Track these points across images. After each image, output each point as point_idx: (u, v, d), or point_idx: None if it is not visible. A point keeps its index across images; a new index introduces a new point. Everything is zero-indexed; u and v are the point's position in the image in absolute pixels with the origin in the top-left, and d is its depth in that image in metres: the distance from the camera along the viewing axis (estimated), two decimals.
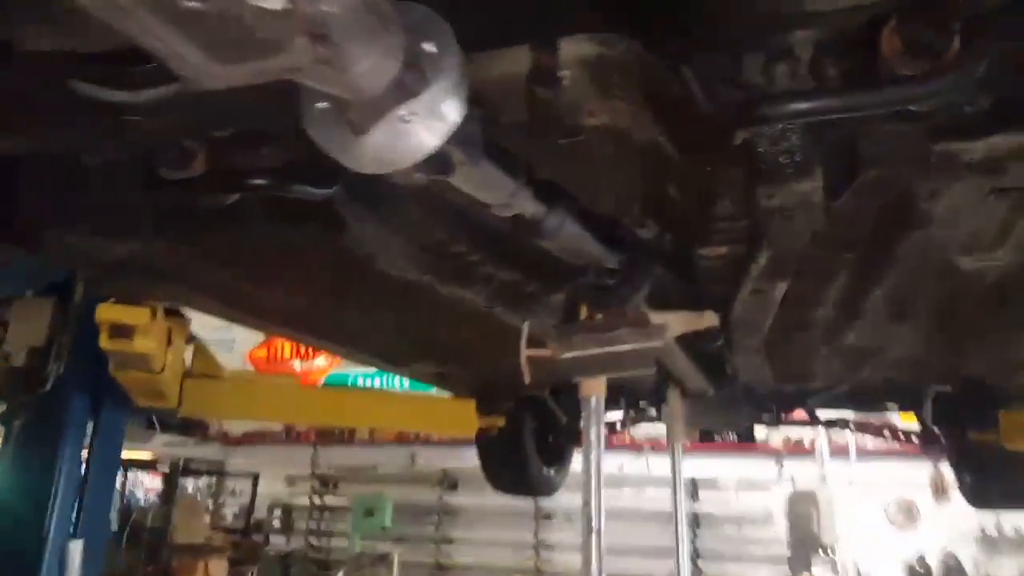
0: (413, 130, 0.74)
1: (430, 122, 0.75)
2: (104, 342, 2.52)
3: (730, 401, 3.66)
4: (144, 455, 9.37)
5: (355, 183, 1.20)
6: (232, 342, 8.79)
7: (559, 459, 4.29)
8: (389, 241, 1.38)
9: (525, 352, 1.92)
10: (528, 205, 1.15)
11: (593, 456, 1.83)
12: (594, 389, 1.89)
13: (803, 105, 0.89)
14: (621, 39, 0.99)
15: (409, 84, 0.73)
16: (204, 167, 1.05)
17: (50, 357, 3.23)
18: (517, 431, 3.88)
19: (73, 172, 1.20)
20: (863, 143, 1.02)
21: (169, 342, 2.87)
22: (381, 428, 8.95)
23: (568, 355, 1.73)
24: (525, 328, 1.89)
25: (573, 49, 1.03)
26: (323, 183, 1.12)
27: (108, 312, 2.33)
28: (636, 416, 4.36)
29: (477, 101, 1.13)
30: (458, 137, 0.85)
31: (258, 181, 1.05)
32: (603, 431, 1.86)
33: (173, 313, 2.81)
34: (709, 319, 1.95)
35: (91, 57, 0.80)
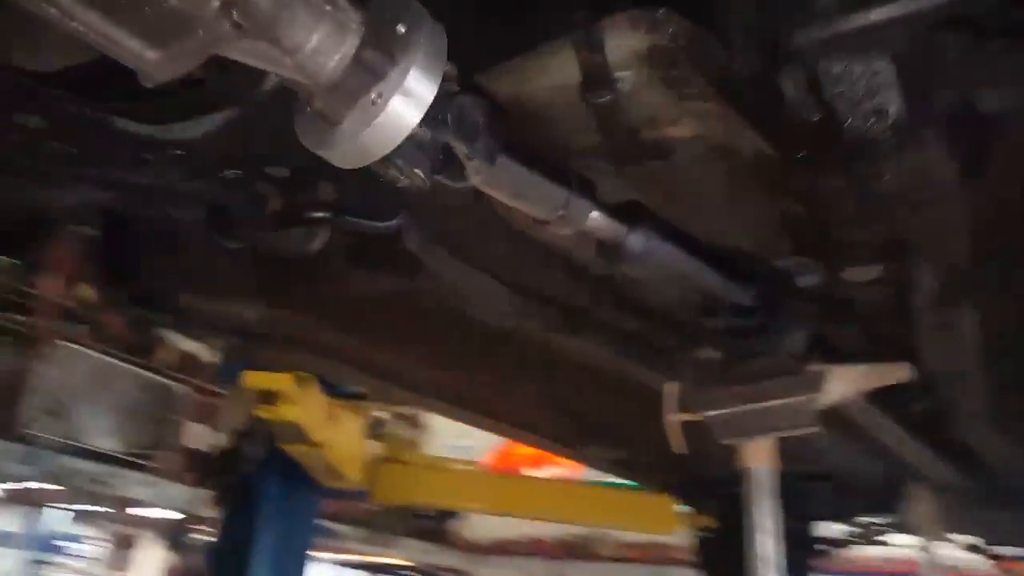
0: (386, 112, 0.69)
1: (402, 101, 0.69)
2: (258, 410, 2.69)
3: (990, 497, 3.00)
4: (386, 559, 9.58)
5: (424, 218, 1.17)
6: (469, 449, 8.87)
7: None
8: (473, 281, 1.32)
9: (671, 417, 1.73)
10: (599, 223, 1.04)
11: (764, 548, 1.57)
12: (757, 456, 1.65)
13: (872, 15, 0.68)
14: (667, 19, 0.88)
15: (375, 65, 0.69)
16: (278, 207, 1.08)
17: (252, 440, 3.51)
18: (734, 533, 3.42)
19: (189, 235, 1.31)
20: (987, 92, 0.78)
21: (333, 419, 3.00)
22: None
23: (710, 414, 1.53)
24: (667, 389, 1.71)
25: (620, 44, 0.94)
26: (385, 215, 1.11)
27: (253, 379, 2.49)
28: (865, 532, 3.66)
29: (532, 123, 1.07)
30: (456, 128, 0.79)
31: (319, 215, 1.06)
32: (779, 518, 1.59)
33: (356, 396, 2.95)
34: (899, 371, 1.64)
35: (127, 93, 0.86)
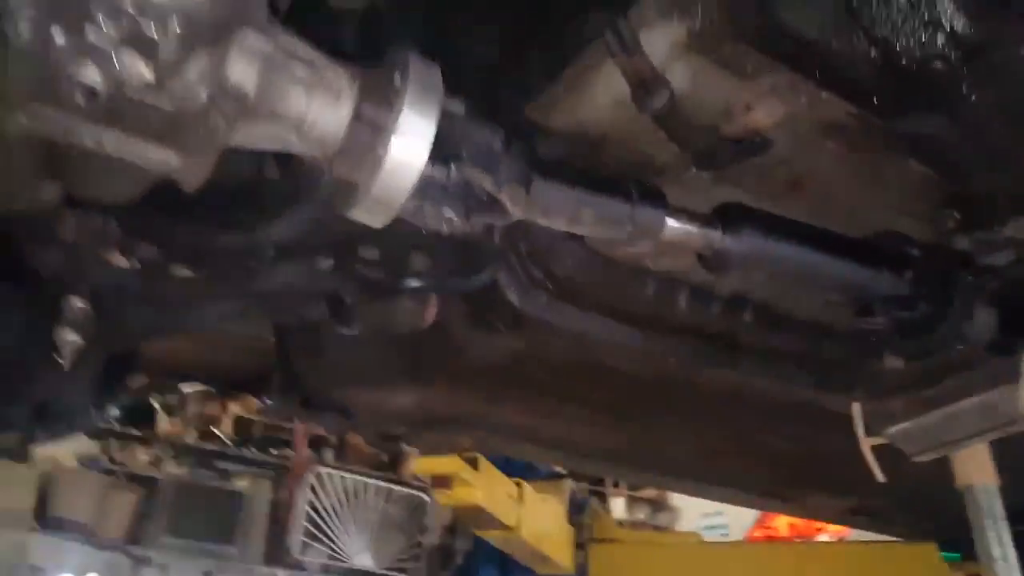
0: (389, 157, 0.73)
1: (402, 142, 0.73)
2: (436, 495, 2.72)
3: None
4: None
5: (520, 266, 1.18)
6: (725, 527, 8.40)
7: None
8: (588, 324, 1.28)
9: (864, 440, 1.55)
10: (681, 232, 0.99)
11: None
12: (970, 470, 1.42)
13: None
14: None
15: (375, 119, 0.74)
16: (380, 286, 1.16)
17: (458, 533, 3.60)
18: None
19: (329, 332, 1.42)
20: None
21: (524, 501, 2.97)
22: None
23: (895, 429, 1.35)
24: (854, 410, 1.53)
25: (656, 37, 0.92)
26: (476, 272, 1.13)
27: (422, 465, 2.54)
28: None
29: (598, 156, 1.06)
30: (473, 160, 0.81)
31: (416, 284, 1.11)
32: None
33: (554, 476, 2.94)
34: None
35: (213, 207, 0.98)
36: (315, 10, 0.86)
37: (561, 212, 0.90)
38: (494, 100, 0.93)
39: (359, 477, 9.86)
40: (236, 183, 1.02)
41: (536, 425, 1.79)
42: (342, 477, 9.77)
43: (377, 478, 9.98)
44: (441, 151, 0.75)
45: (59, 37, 0.60)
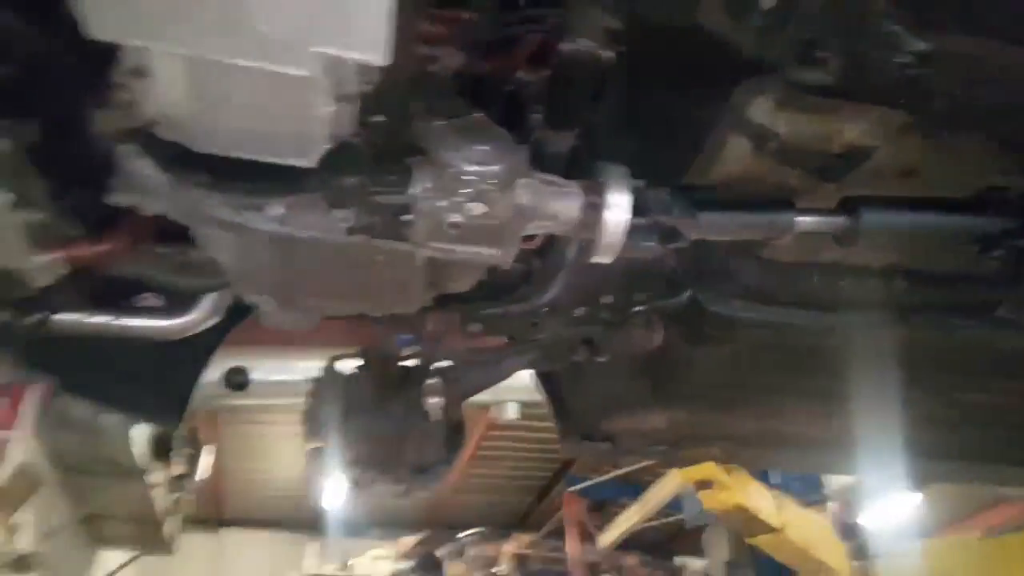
0: (606, 221, 1.31)
1: (612, 212, 1.31)
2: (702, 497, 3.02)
3: None
4: None
5: (717, 279, 1.69)
6: None
7: None
8: (791, 316, 1.73)
9: None
10: (810, 223, 1.48)
11: None
12: None
13: None
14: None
15: (595, 203, 1.33)
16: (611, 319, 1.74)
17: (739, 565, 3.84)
18: None
19: (588, 371, 2.00)
20: None
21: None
22: None
23: None
24: None
25: (762, 112, 1.44)
26: (680, 293, 1.67)
27: (684, 475, 2.88)
28: None
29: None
30: (657, 211, 1.38)
31: (638, 309, 1.68)
32: None
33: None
34: None
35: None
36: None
37: (723, 229, 1.43)
38: (662, 173, 1.49)
39: None
40: (514, 274, 1.65)
41: (767, 428, 2.20)
42: None
43: None
44: (636, 209, 1.33)
45: (443, 201, 1.26)
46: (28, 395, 5.71)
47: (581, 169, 1.41)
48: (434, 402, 1.80)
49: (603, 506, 12.49)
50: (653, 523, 10.23)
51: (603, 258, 1.37)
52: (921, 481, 4.13)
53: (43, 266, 1.50)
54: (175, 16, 0.95)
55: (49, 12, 1.13)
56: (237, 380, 6.29)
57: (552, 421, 2.32)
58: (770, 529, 3.48)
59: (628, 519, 9.80)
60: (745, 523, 3.54)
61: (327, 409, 2.07)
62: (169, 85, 1.14)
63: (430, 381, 1.83)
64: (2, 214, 1.38)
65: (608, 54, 1.27)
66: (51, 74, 1.24)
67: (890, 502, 7.01)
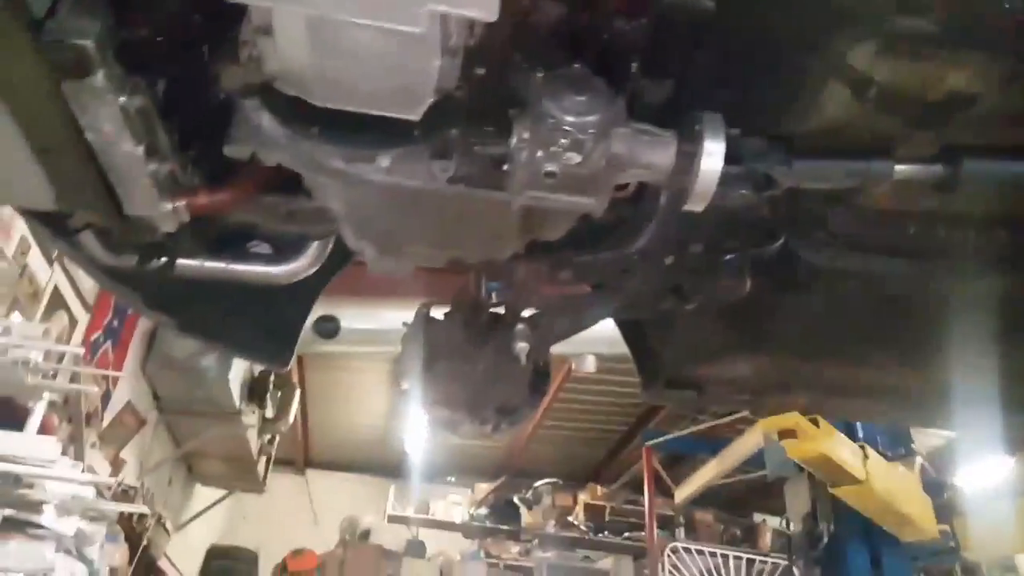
0: (703, 170, 1.35)
1: (708, 159, 1.35)
2: (787, 447, 3.05)
3: None
4: None
5: (808, 229, 1.71)
6: None
7: None
8: (873, 264, 1.74)
9: None
10: (909, 171, 1.49)
11: None
12: None
13: None
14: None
15: (688, 150, 1.38)
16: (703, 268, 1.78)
17: (818, 518, 3.88)
18: None
19: (676, 318, 2.05)
20: None
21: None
22: None
23: None
24: None
25: (857, 55, 1.45)
26: (772, 240, 1.69)
27: (766, 424, 2.91)
28: None
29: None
30: (751, 160, 1.41)
31: (729, 257, 1.72)
32: None
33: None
34: None
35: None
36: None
37: (817, 178, 1.46)
38: (757, 121, 1.51)
39: (720, 551, 10.25)
40: (607, 221, 1.71)
41: (854, 378, 2.22)
42: (700, 553, 10.22)
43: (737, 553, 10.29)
44: (730, 158, 1.36)
45: (540, 151, 1.33)
46: (134, 337, 6.12)
47: (676, 117, 1.44)
48: (522, 347, 1.89)
49: (680, 461, 12.56)
50: (731, 480, 10.25)
51: (695, 206, 1.41)
52: (1017, 442, 4.05)
53: (169, 213, 1.64)
54: None
55: None
56: (328, 328, 6.59)
57: (634, 371, 2.40)
58: (854, 480, 3.50)
59: (705, 474, 9.85)
60: (828, 473, 3.57)
61: (418, 352, 2.19)
62: (290, 42, 1.23)
63: (519, 327, 1.91)
64: (135, 164, 1.52)
65: (708, 3, 1.29)
66: (182, 33, 1.35)
67: (983, 463, 6.87)
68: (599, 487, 14.10)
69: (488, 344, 2.05)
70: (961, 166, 1.49)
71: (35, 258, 5.12)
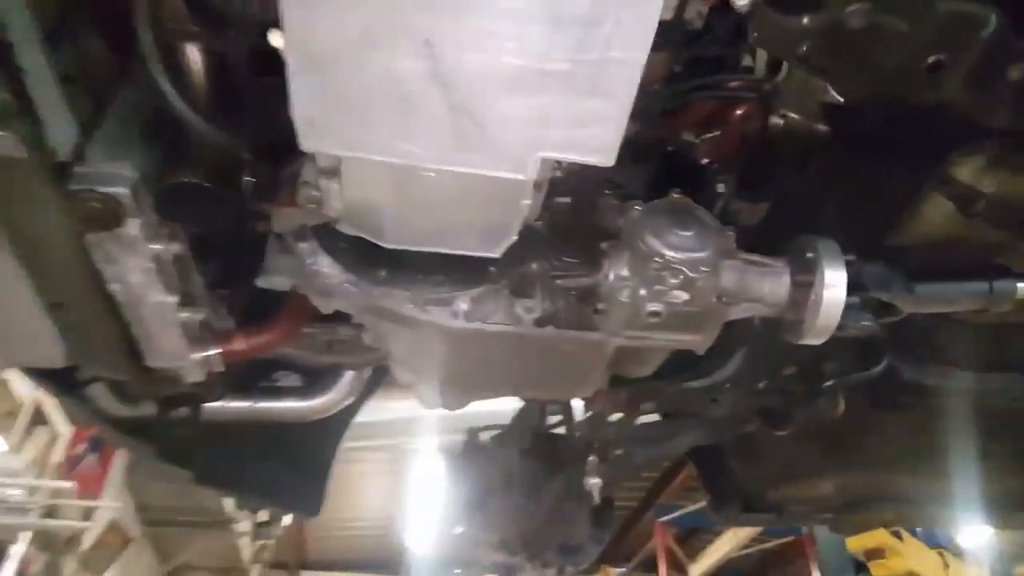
0: (824, 302, 1.22)
1: (830, 291, 1.22)
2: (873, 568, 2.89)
3: None
4: None
5: (908, 351, 1.58)
6: None
7: None
8: (969, 381, 1.61)
9: None
10: None
11: None
12: None
13: None
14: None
15: (804, 281, 1.25)
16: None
17: None
18: None
19: (760, 441, 1.90)
20: None
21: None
22: None
23: None
24: None
25: (962, 169, 1.35)
26: (875, 362, 1.56)
27: (854, 543, 2.76)
28: None
29: None
30: (874, 287, 1.29)
31: (828, 383, 1.57)
32: None
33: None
34: None
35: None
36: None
37: (939, 303, 1.33)
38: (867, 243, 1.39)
39: None
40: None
41: (944, 487, 2.07)
42: None
43: None
44: (852, 287, 1.24)
45: (643, 289, 1.19)
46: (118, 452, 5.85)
47: (773, 240, 1.33)
48: (595, 483, 1.73)
49: (695, 533, 12.19)
50: (748, 550, 9.94)
51: (815, 340, 1.28)
52: None
53: (199, 362, 1.49)
54: (394, 133, 0.91)
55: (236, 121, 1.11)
56: None
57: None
58: None
59: (721, 547, 9.56)
60: None
61: (470, 487, 2.02)
62: (362, 185, 1.11)
63: (591, 459, 1.75)
64: (166, 315, 1.37)
65: (821, 127, 1.19)
66: (229, 173, 1.22)
67: None
68: (612, 568, 13.63)
69: (554, 478, 1.88)
70: None
71: (16, 373, 4.87)
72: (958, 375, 1.65)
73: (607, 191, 1.37)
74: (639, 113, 1.33)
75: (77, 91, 1.22)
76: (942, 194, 1.40)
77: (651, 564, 12.09)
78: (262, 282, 1.39)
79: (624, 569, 13.48)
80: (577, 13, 0.81)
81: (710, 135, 1.43)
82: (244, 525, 7.36)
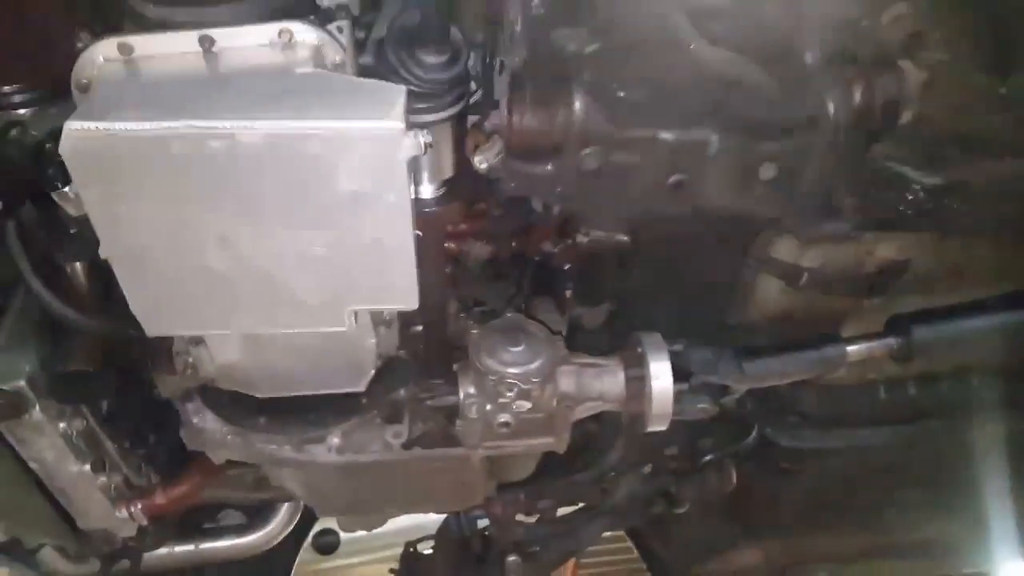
0: (655, 391, 1.35)
1: (658, 382, 1.35)
2: None
3: None
4: None
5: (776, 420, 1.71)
6: None
7: None
8: (851, 438, 1.73)
9: None
10: (869, 347, 1.50)
11: None
12: None
13: None
14: None
15: (637, 376, 1.38)
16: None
17: None
18: None
19: None
20: None
21: None
22: None
23: None
24: None
25: (782, 248, 1.50)
26: (747, 435, 1.68)
27: None
28: None
29: None
30: (701, 368, 1.42)
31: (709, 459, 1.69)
32: None
33: None
34: None
35: None
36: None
37: (770, 376, 1.46)
38: (701, 327, 1.54)
39: None
40: (577, 442, 1.70)
41: (871, 542, 2.13)
42: None
43: None
44: (679, 375, 1.37)
45: (488, 404, 1.33)
46: None
47: (622, 335, 1.46)
48: None
49: None
50: None
51: (657, 427, 1.40)
52: None
53: (126, 521, 1.61)
54: (220, 311, 1.07)
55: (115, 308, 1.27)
56: (327, 543, 6.27)
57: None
58: None
59: None
60: None
61: None
62: (223, 350, 1.25)
63: (511, 559, 1.84)
64: (84, 483, 1.50)
65: (622, 238, 1.35)
66: (119, 357, 1.37)
67: None
68: None
69: None
70: (911, 335, 1.50)
71: None
72: (831, 435, 1.75)
73: (463, 312, 1.53)
74: (490, 238, 1.52)
75: None
76: (769, 273, 1.56)
77: None
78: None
79: None
80: (338, 211, 0.97)
81: (565, 243, 1.58)
82: None
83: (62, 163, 0.92)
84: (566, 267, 1.57)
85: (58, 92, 1.22)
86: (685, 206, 1.22)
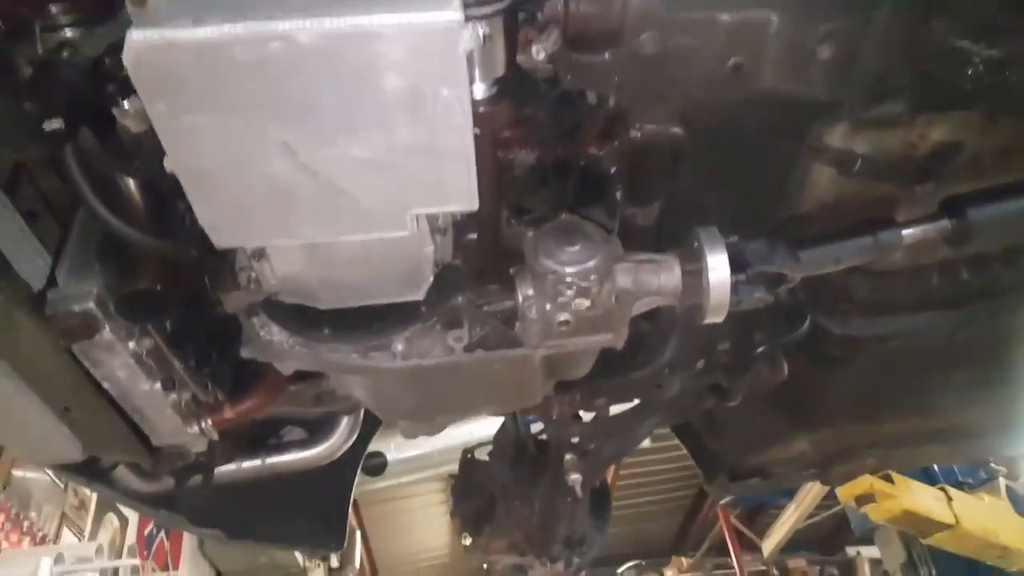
0: (712, 283, 1.35)
1: (714, 273, 1.34)
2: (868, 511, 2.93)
3: None
4: None
5: (834, 307, 1.70)
6: None
7: None
8: (901, 323, 1.71)
9: None
10: (918, 234, 1.48)
11: None
12: None
13: None
14: None
15: (692, 271, 1.37)
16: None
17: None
18: None
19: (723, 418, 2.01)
20: None
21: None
22: None
23: None
24: None
25: (835, 134, 1.47)
26: (800, 323, 1.68)
27: (844, 492, 2.81)
28: None
29: None
30: (759, 262, 1.41)
31: (762, 351, 1.70)
32: None
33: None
34: None
35: None
36: None
37: (827, 263, 1.45)
38: (755, 219, 1.52)
39: None
40: (631, 340, 1.71)
41: (917, 427, 2.16)
42: None
43: None
44: (736, 266, 1.36)
45: (548, 304, 1.33)
46: None
47: (674, 235, 1.45)
48: (575, 478, 1.86)
49: (760, 510, 12.14)
50: (815, 518, 9.88)
51: (714, 318, 1.40)
52: None
53: (197, 435, 1.66)
54: (285, 220, 1.07)
55: (175, 227, 1.28)
56: (375, 465, 6.52)
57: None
58: (945, 526, 3.37)
59: (787, 521, 9.51)
60: (917, 525, 3.44)
61: (472, 503, 2.15)
62: (286, 262, 1.26)
63: (567, 457, 1.89)
64: (156, 401, 1.54)
65: (676, 131, 1.32)
66: (180, 277, 1.38)
67: None
68: (683, 559, 13.60)
69: (540, 480, 2.02)
70: (966, 215, 1.47)
71: None
72: (883, 322, 1.75)
73: (513, 220, 1.52)
74: (536, 144, 1.50)
75: (42, 224, 1.43)
76: (821, 162, 1.52)
77: (722, 547, 12.07)
78: (246, 353, 1.55)
79: (695, 556, 13.43)
80: (397, 111, 0.96)
81: (612, 145, 1.56)
82: (318, 572, 7.56)
83: (121, 79, 0.91)
84: (612, 171, 1.56)
85: (102, 12, 1.22)
86: (743, 91, 1.19)
